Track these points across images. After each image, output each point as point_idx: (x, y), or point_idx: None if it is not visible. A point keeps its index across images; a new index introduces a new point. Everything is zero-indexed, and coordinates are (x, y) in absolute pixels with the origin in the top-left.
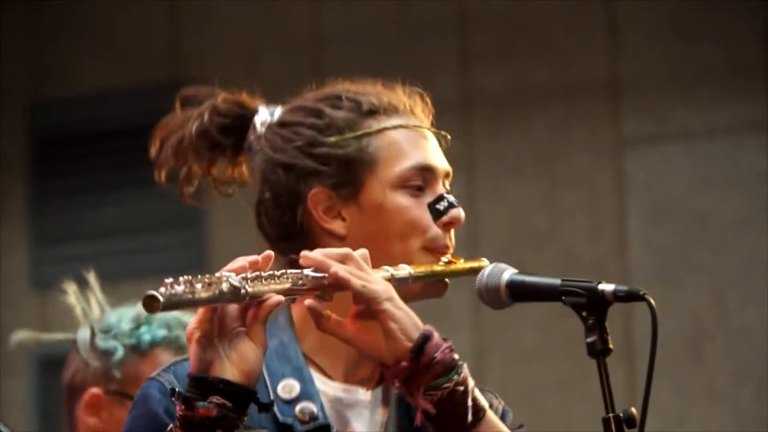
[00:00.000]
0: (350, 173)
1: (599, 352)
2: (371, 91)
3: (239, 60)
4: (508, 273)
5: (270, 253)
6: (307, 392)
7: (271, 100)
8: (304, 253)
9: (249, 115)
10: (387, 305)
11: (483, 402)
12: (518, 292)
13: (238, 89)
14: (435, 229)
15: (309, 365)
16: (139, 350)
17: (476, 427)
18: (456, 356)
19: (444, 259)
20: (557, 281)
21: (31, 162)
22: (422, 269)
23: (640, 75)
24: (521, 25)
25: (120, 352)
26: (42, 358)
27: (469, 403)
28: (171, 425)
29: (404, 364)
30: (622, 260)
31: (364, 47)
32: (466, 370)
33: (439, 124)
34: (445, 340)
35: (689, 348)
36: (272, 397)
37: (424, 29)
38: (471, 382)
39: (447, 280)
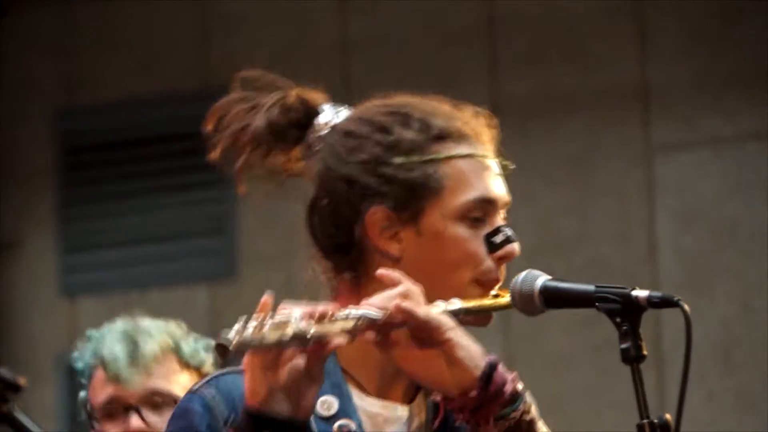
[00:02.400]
0: (413, 197)
1: (633, 358)
2: (441, 113)
3: (268, 67)
4: (542, 279)
5: (336, 305)
6: (345, 409)
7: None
8: (365, 302)
9: (314, 111)
10: (452, 334)
11: (546, 430)
12: (552, 298)
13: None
14: (488, 263)
15: (346, 378)
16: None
17: None
18: (520, 385)
19: (492, 292)
20: (591, 287)
21: (60, 169)
22: (473, 304)
23: (670, 81)
24: (550, 31)
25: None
26: (71, 365)
27: (538, 430)
28: None
29: (473, 393)
30: (652, 266)
31: (393, 54)
32: (529, 399)
33: None
34: (508, 371)
35: (719, 354)
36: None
37: (453, 35)
38: (534, 411)
39: (492, 314)
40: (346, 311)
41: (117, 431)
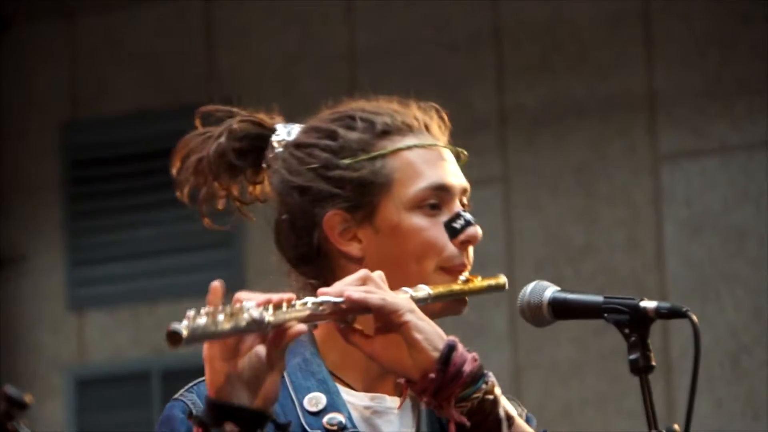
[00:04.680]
0: (365, 195)
1: (642, 369)
2: (385, 110)
3: (275, 78)
4: (551, 290)
5: (292, 295)
6: (334, 403)
7: (308, 118)
8: (320, 290)
9: (267, 134)
10: (409, 316)
11: (510, 409)
12: (560, 309)
13: (275, 108)
14: (451, 248)
15: (333, 379)
16: None
17: None
18: (481, 365)
19: (462, 277)
20: (599, 298)
21: (67, 183)
22: (441, 289)
23: (677, 89)
24: (557, 39)
25: None
26: (79, 378)
27: (501, 412)
28: None
29: (432, 375)
30: (660, 274)
31: (400, 64)
32: (492, 379)
33: (475, 139)
34: (468, 350)
35: (728, 362)
36: (298, 411)
37: (459, 44)
38: (498, 391)
39: (466, 299)
40: (304, 300)
41: None
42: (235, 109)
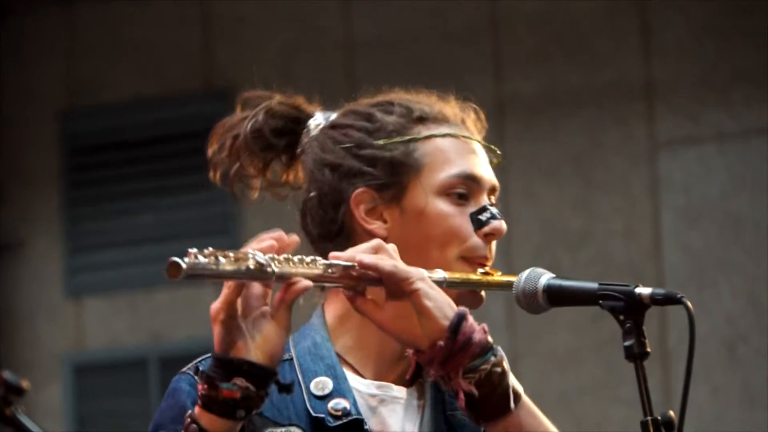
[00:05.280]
0: (395, 176)
1: (637, 355)
2: (424, 100)
3: (272, 68)
4: (546, 277)
5: (296, 238)
6: (340, 389)
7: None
8: (333, 254)
9: (304, 118)
10: (420, 284)
11: (518, 386)
12: (555, 296)
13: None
14: (475, 239)
15: (342, 364)
16: None
17: (515, 410)
18: (491, 339)
19: (481, 270)
20: (594, 285)
21: (65, 171)
22: (458, 275)
23: (674, 77)
24: (554, 29)
25: None
26: (77, 365)
27: (510, 384)
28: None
29: (441, 344)
30: (657, 262)
31: (397, 53)
32: (501, 352)
33: None
34: (478, 322)
35: (725, 350)
36: (305, 394)
37: (457, 35)
38: (507, 365)
39: (483, 293)
40: (314, 258)
41: None
42: (276, 94)
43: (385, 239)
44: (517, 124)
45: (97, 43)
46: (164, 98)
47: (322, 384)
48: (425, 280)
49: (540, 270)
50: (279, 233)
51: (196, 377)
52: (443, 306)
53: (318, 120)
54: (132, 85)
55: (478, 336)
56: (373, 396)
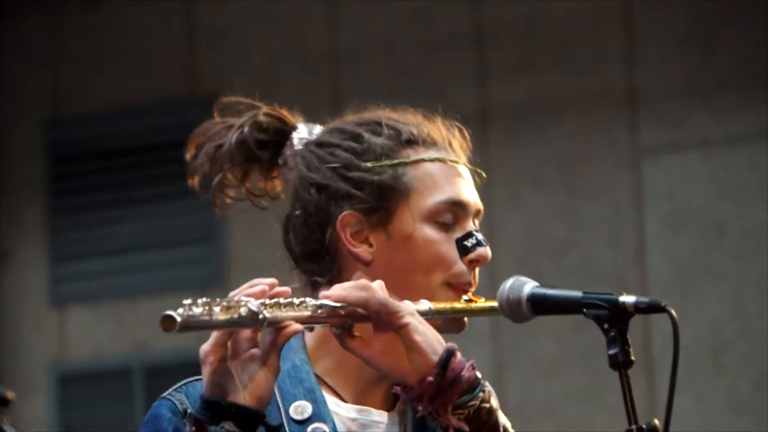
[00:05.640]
0: (382, 200)
1: (621, 364)
2: (411, 121)
3: (257, 76)
4: (529, 286)
5: (288, 289)
6: (320, 413)
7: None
8: (324, 293)
9: (288, 130)
10: (410, 319)
11: (506, 422)
12: (539, 305)
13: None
14: (460, 266)
15: (322, 386)
16: None
17: None
18: (479, 374)
19: (465, 297)
20: (578, 294)
21: (49, 179)
22: (442, 306)
23: (658, 84)
24: (538, 36)
25: None
26: (62, 375)
27: (500, 420)
28: None
29: (430, 379)
30: (641, 269)
31: (381, 62)
32: (489, 388)
33: None
34: (466, 359)
35: (709, 357)
36: (284, 418)
37: (441, 43)
38: (495, 401)
39: (465, 320)
40: (302, 299)
41: None
42: (257, 102)
43: (370, 263)
44: (501, 132)
45: (81, 52)
46: (149, 107)
47: (301, 408)
48: (414, 314)
49: (524, 279)
50: (272, 281)
51: (177, 404)
52: (432, 342)
53: (302, 133)
54: (116, 93)
55: (467, 373)
56: (353, 420)
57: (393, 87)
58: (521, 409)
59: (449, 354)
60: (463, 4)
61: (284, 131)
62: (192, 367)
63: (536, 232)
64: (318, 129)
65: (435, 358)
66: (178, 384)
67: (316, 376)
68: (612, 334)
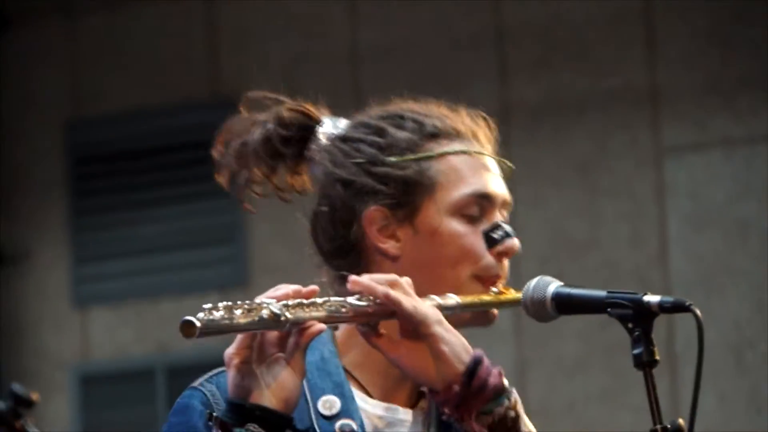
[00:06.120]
0: (408, 195)
1: (646, 363)
2: (435, 113)
3: (278, 76)
4: (554, 286)
5: (315, 288)
6: (348, 409)
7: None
8: (352, 278)
9: (313, 125)
10: (437, 328)
11: (531, 429)
12: (564, 304)
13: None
14: (488, 258)
15: (349, 380)
16: None
17: None
18: (506, 382)
19: (494, 289)
20: (603, 293)
21: (70, 181)
22: (470, 299)
23: (680, 83)
24: (559, 36)
25: None
26: (83, 376)
27: (522, 429)
28: None
29: (456, 387)
30: (663, 268)
31: (402, 61)
32: (515, 396)
33: None
34: (494, 365)
35: (731, 356)
36: (312, 413)
37: (462, 42)
38: (521, 408)
39: (495, 311)
40: (327, 299)
41: None
42: (282, 97)
43: (398, 258)
44: (522, 131)
45: (101, 53)
46: (169, 107)
47: (329, 403)
48: (442, 323)
49: (548, 278)
50: (296, 287)
51: (208, 396)
52: (459, 350)
53: (327, 127)
54: (137, 94)
55: (493, 380)
56: (379, 418)
57: (414, 87)
58: (544, 408)
59: (476, 362)
60: (484, 4)
61: (309, 126)
62: (214, 367)
63: (558, 231)
64: (343, 123)
65: (461, 367)
66: (210, 373)
67: (344, 369)
68: (636, 333)
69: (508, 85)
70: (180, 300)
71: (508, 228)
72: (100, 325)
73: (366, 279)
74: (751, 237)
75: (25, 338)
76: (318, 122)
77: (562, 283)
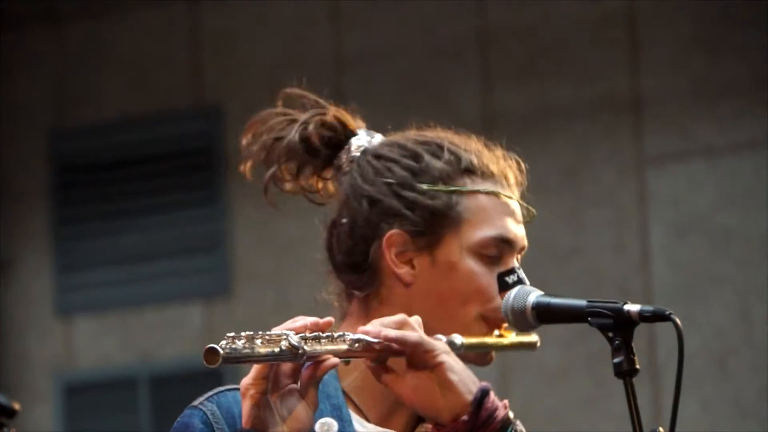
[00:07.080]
0: (433, 225)
1: (626, 372)
2: (473, 148)
3: (261, 84)
4: (534, 295)
5: (331, 319)
6: None
7: None
8: (362, 328)
9: (348, 134)
10: (445, 357)
11: None
12: (544, 314)
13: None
14: (498, 301)
15: (348, 404)
16: None
17: None
18: (512, 414)
19: (497, 332)
20: (583, 303)
21: (54, 189)
22: (474, 341)
23: (663, 91)
24: (542, 43)
25: None
26: (67, 384)
27: None
28: None
29: (464, 418)
30: (646, 276)
31: (386, 69)
32: (520, 427)
33: None
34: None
35: (715, 364)
36: None
37: (445, 49)
38: None
39: (493, 353)
40: (342, 333)
41: None
42: (321, 100)
43: (410, 285)
44: (505, 138)
45: (86, 61)
46: (153, 116)
47: (327, 425)
48: (450, 353)
49: (529, 287)
50: (314, 320)
51: (209, 415)
52: (467, 381)
53: (361, 140)
54: (121, 102)
55: (500, 413)
56: None
57: (398, 93)
58: (526, 416)
59: (483, 393)
60: (468, 10)
61: (346, 134)
62: (197, 376)
63: (541, 239)
64: (377, 138)
65: (469, 397)
66: (210, 393)
67: (343, 392)
68: (617, 342)
69: (492, 92)
70: (163, 309)
71: (522, 274)
72: (84, 334)
73: (376, 326)
74: (734, 245)
75: (8, 346)
76: (353, 132)
77: (542, 293)
